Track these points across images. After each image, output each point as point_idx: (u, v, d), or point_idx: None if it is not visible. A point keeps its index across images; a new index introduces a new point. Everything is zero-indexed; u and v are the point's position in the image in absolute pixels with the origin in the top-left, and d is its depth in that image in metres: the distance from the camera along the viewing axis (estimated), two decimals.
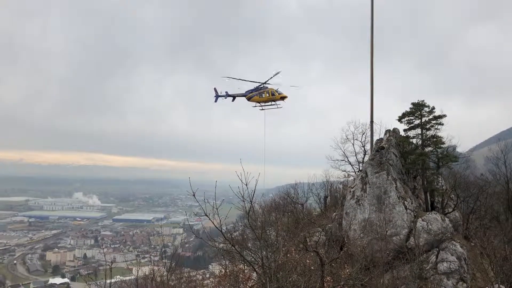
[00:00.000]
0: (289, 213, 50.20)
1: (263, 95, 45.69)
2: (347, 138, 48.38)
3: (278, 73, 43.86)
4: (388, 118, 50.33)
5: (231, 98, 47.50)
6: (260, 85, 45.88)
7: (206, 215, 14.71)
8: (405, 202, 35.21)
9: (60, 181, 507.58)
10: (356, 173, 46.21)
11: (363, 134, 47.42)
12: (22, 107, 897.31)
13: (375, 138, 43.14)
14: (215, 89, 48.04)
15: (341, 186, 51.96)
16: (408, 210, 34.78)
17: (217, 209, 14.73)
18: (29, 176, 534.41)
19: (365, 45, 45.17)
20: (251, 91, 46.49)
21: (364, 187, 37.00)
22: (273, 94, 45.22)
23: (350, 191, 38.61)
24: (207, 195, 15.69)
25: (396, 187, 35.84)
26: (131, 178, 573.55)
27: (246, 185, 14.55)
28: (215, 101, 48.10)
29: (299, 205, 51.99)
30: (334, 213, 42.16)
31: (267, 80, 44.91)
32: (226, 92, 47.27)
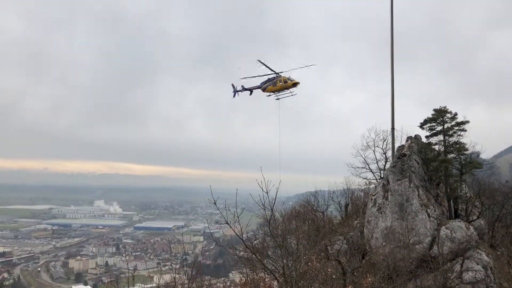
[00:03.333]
0: (310, 221, 49.79)
1: (276, 84, 45.72)
2: (368, 145, 47.88)
3: (310, 65, 43.82)
4: (410, 125, 49.56)
5: (248, 92, 47.96)
6: (273, 76, 45.98)
7: (227, 223, 14.72)
8: (428, 209, 34.61)
9: (83, 189, 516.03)
10: (378, 180, 45.64)
11: (384, 141, 46.88)
12: (46, 117, 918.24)
13: (397, 145, 42.59)
14: (232, 85, 48.67)
15: (362, 193, 51.38)
16: (431, 218, 34.17)
17: (238, 217, 14.73)
18: (52, 184, 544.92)
19: (388, 52, 44.76)
20: (265, 82, 46.66)
21: (386, 194, 36.53)
22: (285, 82, 45.14)
23: (371, 199, 38.16)
24: (227, 203, 15.74)
25: (418, 194, 35.28)
26: (152, 186, 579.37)
27: (267, 193, 14.53)
28: (233, 96, 48.62)
29: (320, 213, 51.56)
30: (356, 221, 41.71)
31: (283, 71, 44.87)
32: (242, 86, 47.77)
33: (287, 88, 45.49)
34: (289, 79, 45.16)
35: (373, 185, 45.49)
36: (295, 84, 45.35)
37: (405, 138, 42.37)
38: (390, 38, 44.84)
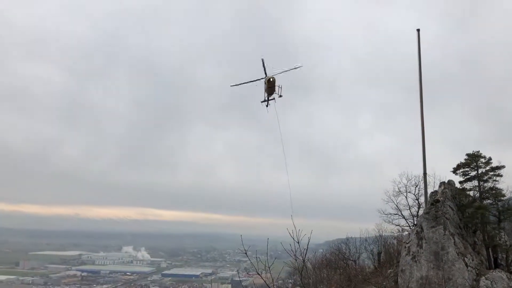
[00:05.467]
0: (341, 270, 48.41)
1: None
2: (400, 191, 46.97)
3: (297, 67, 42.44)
4: (442, 170, 48.61)
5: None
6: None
7: (258, 273, 14.51)
8: (465, 258, 33.22)
9: (112, 235, 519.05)
10: (411, 227, 44.38)
11: (416, 186, 45.93)
12: (79, 164, 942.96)
13: (429, 190, 41.61)
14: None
15: (395, 241, 49.89)
16: (469, 268, 32.71)
17: (269, 267, 14.53)
18: (83, 230, 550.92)
19: (417, 96, 44.63)
20: None
21: (420, 242, 35.37)
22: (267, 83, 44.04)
23: (405, 247, 36.98)
24: (254, 250, 15.59)
25: (454, 242, 34.01)
26: (180, 232, 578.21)
27: (298, 242, 14.34)
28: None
29: (352, 262, 50.16)
30: (389, 270, 40.31)
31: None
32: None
33: (272, 90, 43.99)
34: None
35: (406, 232, 44.21)
36: (270, 82, 43.50)
37: (437, 183, 41.46)
38: (418, 82, 44.87)
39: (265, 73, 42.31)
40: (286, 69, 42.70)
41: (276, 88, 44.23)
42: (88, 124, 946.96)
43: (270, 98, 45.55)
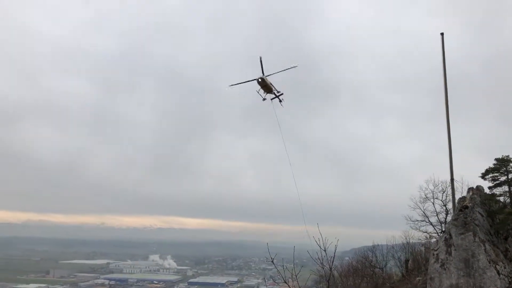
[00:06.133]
0: (368, 278, 47.86)
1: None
2: (427, 197, 46.25)
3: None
4: (470, 175, 47.65)
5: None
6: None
7: (285, 281, 14.57)
8: (497, 266, 32.37)
9: (138, 244, 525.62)
10: (439, 234, 43.60)
11: (444, 192, 45.18)
12: (105, 174, 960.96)
13: (457, 196, 40.80)
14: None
15: (423, 248, 49.05)
16: (501, 275, 31.87)
17: (296, 275, 14.58)
18: (110, 239, 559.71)
19: (442, 101, 43.99)
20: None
21: (449, 249, 34.67)
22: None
23: (433, 254, 36.30)
24: (279, 257, 15.65)
25: (485, 249, 33.21)
26: (204, 240, 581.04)
27: (325, 250, 14.36)
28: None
29: (379, 269, 49.52)
30: (418, 278, 39.65)
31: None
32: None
33: (268, 89, 43.87)
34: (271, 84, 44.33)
35: (434, 239, 43.46)
36: (270, 91, 42.99)
37: (465, 189, 40.62)
38: (443, 87, 44.21)
39: (262, 72, 43.14)
40: (281, 70, 43.59)
41: (274, 85, 45.14)
42: (115, 135, 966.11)
43: (273, 97, 46.40)
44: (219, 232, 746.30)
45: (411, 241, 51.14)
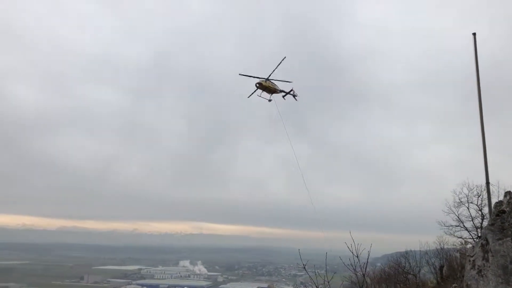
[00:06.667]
0: (401, 285, 46.95)
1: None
2: (461, 202, 45.05)
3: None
4: (507, 178, 46.23)
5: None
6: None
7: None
8: None
9: (169, 249, 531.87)
10: (475, 240, 42.37)
11: (479, 196, 43.93)
12: (136, 181, 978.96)
13: (493, 200, 39.47)
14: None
15: (458, 254, 47.79)
16: None
17: (328, 281, 14.45)
18: (141, 245, 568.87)
19: (475, 102, 42.89)
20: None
21: (486, 255, 33.54)
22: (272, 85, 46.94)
23: (469, 261, 35.27)
24: (310, 264, 15.53)
25: None
26: (234, 246, 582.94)
27: (357, 256, 14.20)
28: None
29: (412, 276, 48.48)
30: (454, 285, 38.55)
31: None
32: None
33: (270, 91, 46.86)
34: (273, 84, 46.73)
35: (470, 245, 42.25)
36: (274, 91, 46.95)
37: (502, 193, 39.26)
38: (476, 88, 43.08)
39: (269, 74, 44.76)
40: (276, 67, 45.31)
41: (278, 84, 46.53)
42: (145, 142, 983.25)
43: (284, 94, 47.52)
44: (249, 238, 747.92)
45: (445, 247, 49.95)
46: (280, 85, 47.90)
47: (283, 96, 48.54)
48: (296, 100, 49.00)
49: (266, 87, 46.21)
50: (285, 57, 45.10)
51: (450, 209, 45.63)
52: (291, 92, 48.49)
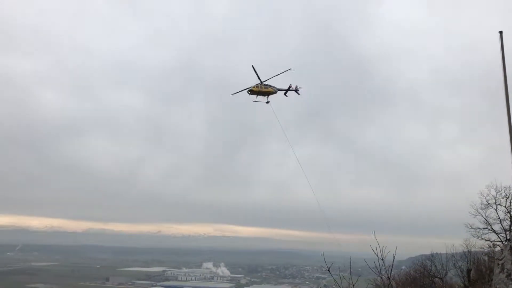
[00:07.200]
0: None
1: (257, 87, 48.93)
2: (488, 204, 44.07)
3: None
4: None
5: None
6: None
7: None
8: None
9: (192, 251, 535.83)
10: (503, 242, 41.38)
11: (507, 198, 42.87)
12: (160, 183, 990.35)
13: None
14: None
15: (486, 257, 46.72)
16: None
17: (353, 285, 14.35)
18: (165, 247, 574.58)
19: (502, 103, 41.94)
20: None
21: None
22: (265, 88, 48.64)
23: (498, 264, 34.48)
24: (334, 267, 15.42)
25: None
26: (256, 249, 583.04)
27: (383, 259, 14.05)
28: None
29: (438, 279, 47.64)
30: None
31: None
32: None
33: (265, 93, 48.76)
34: (266, 86, 48.50)
35: (499, 248, 41.25)
36: (270, 93, 48.77)
37: None
38: (503, 87, 42.13)
39: (259, 79, 46.44)
40: (280, 72, 46.58)
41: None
42: (169, 145, 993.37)
43: (288, 91, 48.17)
44: (271, 241, 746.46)
45: (472, 250, 48.91)
46: (279, 84, 49.51)
47: (285, 94, 49.99)
48: (298, 94, 50.34)
49: (258, 91, 48.13)
50: (290, 69, 47.23)
51: (477, 211, 44.75)
52: (291, 88, 49.71)
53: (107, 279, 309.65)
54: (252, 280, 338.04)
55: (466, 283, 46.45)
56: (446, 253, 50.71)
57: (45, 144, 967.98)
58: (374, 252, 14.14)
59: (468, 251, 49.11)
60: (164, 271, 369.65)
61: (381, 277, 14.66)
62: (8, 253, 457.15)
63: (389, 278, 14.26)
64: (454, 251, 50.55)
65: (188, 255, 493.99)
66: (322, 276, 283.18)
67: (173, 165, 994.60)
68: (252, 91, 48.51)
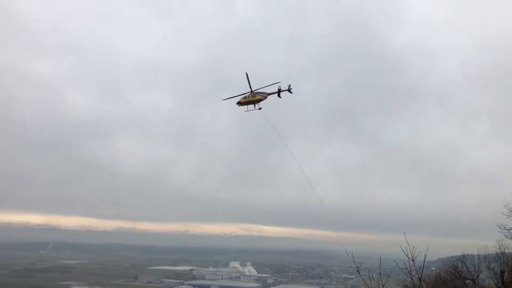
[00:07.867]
0: None
1: (245, 98, 50.09)
2: None
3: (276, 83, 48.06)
4: None
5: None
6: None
7: None
8: None
9: (219, 251, 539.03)
10: None
11: None
12: (188, 183, 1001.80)
13: None
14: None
15: None
16: None
17: (383, 285, 14.23)
18: (193, 246, 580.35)
19: None
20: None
21: None
22: (252, 97, 49.57)
23: None
24: (363, 267, 15.32)
25: None
26: (283, 248, 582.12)
27: (413, 260, 13.87)
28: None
29: (470, 281, 46.61)
30: None
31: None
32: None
33: (254, 102, 49.60)
34: (257, 94, 49.25)
35: None
36: (259, 100, 49.45)
37: None
38: None
39: (250, 87, 46.84)
40: (266, 85, 47.02)
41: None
42: (197, 145, 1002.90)
43: (280, 92, 47.96)
44: (298, 241, 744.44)
45: (506, 251, 47.62)
46: (269, 89, 49.90)
47: (278, 95, 50.60)
48: (291, 93, 50.86)
49: (247, 102, 49.12)
50: (279, 82, 48.49)
51: (511, 211, 43.56)
52: (282, 89, 49.92)
53: (136, 278, 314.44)
54: (279, 280, 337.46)
55: (499, 285, 45.26)
56: (478, 254, 49.55)
57: (75, 144, 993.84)
58: (404, 253, 13.98)
59: (502, 252, 47.85)
60: (191, 270, 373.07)
61: (411, 278, 14.46)
62: (40, 251, 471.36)
63: (420, 279, 14.04)
64: (487, 252, 49.37)
65: (215, 254, 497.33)
66: (350, 276, 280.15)
67: (201, 165, 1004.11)
68: (240, 103, 50.01)
